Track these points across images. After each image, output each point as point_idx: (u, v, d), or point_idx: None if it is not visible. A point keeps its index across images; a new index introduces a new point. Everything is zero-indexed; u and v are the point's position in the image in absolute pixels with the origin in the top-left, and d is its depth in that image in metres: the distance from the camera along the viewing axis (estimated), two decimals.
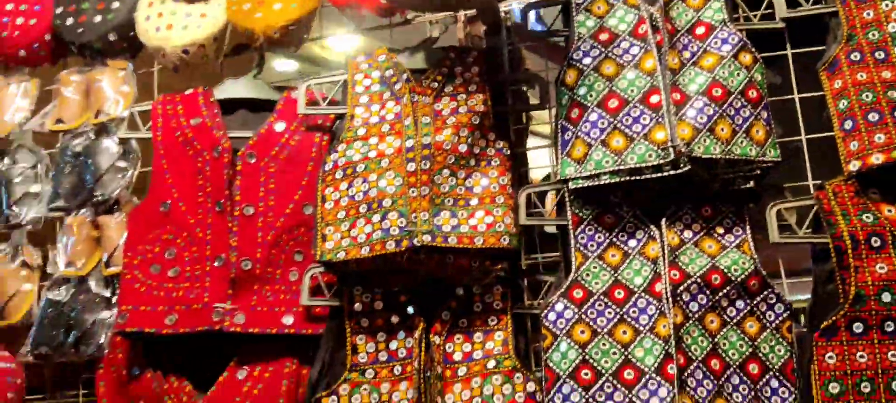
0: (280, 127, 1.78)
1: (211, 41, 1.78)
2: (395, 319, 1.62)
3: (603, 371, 1.49)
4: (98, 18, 1.86)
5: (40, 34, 1.92)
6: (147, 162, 1.86)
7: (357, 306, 1.64)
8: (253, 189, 1.73)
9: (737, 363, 1.48)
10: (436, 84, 1.69)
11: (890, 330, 1.44)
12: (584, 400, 1.48)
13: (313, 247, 1.61)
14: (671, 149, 1.49)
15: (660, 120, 1.52)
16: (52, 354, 1.73)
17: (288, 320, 1.67)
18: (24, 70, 1.95)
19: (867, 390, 1.43)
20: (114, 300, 1.77)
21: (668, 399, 1.42)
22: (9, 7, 1.91)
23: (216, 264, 1.69)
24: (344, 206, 1.61)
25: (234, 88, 1.84)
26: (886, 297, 1.44)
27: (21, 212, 1.83)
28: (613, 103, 1.57)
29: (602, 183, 1.54)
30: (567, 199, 1.61)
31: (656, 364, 1.46)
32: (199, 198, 1.73)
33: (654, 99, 1.55)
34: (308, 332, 1.67)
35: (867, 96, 1.54)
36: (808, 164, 1.65)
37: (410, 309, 1.62)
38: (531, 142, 1.87)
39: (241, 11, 1.75)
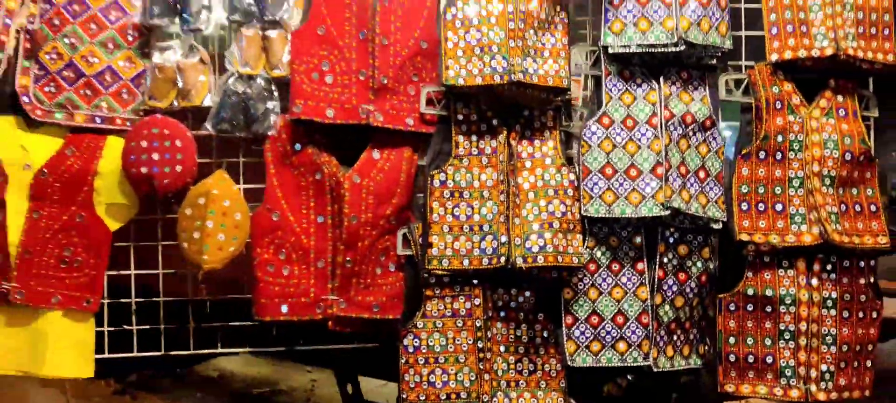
0: None
1: None
2: (484, 127, 2.43)
3: (618, 170, 2.41)
4: None
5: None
6: None
7: (459, 116, 2.42)
8: (386, 24, 2.41)
9: (693, 170, 2.46)
10: None
11: (779, 158, 2.47)
12: (606, 185, 2.40)
13: (439, 74, 2.36)
14: (675, 34, 2.38)
15: (670, 12, 2.39)
16: (231, 130, 2.35)
17: (410, 121, 2.43)
18: None
19: (761, 191, 2.47)
20: (276, 94, 2.40)
21: (657, 187, 2.37)
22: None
23: (360, 77, 2.39)
24: (462, 48, 2.35)
25: None
26: (779, 138, 2.46)
27: (201, 19, 2.36)
28: None
29: (629, 51, 2.41)
30: (603, 58, 2.47)
31: (650, 168, 2.40)
32: (346, 27, 2.39)
33: None
34: (423, 131, 2.44)
35: (787, 14, 2.49)
36: (743, 51, 2.61)
37: (495, 121, 2.44)
38: None
39: None
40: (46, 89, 2.36)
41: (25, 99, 2.36)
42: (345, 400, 3.68)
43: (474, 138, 2.43)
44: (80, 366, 2.37)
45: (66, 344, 2.35)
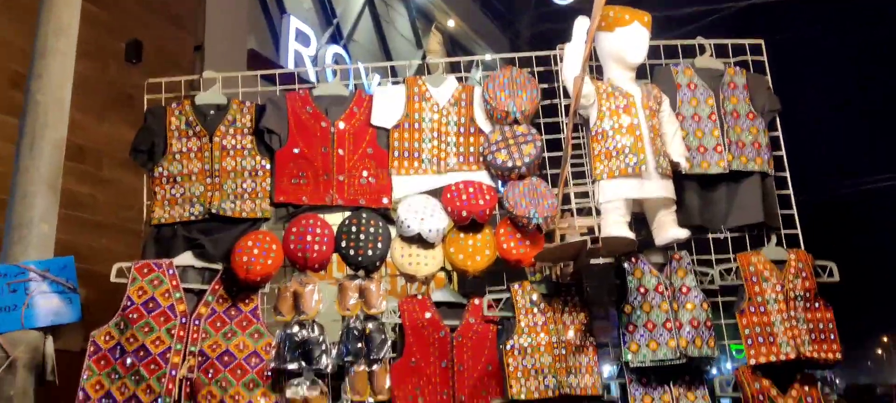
0: (472, 320, 3.28)
1: (439, 270, 3.30)
2: None
3: None
4: (370, 252, 3.28)
5: (328, 256, 3.29)
6: None
7: None
8: (461, 355, 3.20)
9: None
10: (559, 305, 3.28)
11: None
12: None
13: (504, 390, 3.11)
14: (677, 350, 3.19)
15: (672, 335, 3.22)
16: None
17: None
18: (312, 276, 3.30)
19: None
20: None
21: None
22: (309, 238, 3.28)
23: (444, 396, 3.13)
24: (521, 370, 3.13)
25: (442, 294, 3.33)
26: None
27: (323, 362, 3.12)
28: (650, 325, 3.25)
29: (645, 365, 3.20)
30: (625, 370, 3.25)
31: None
32: (430, 359, 3.18)
33: (668, 324, 3.24)
34: None
35: (758, 329, 3.33)
36: (728, 355, 3.42)
37: None
38: None
39: (457, 258, 3.28)
40: None
41: None
42: None
43: None
44: None
45: None
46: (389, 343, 3.19)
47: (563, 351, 3.17)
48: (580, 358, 3.21)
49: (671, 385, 3.23)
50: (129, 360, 3.11)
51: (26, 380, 3.10)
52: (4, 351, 3.08)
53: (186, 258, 3.43)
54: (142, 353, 3.12)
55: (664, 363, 3.20)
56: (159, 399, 3.05)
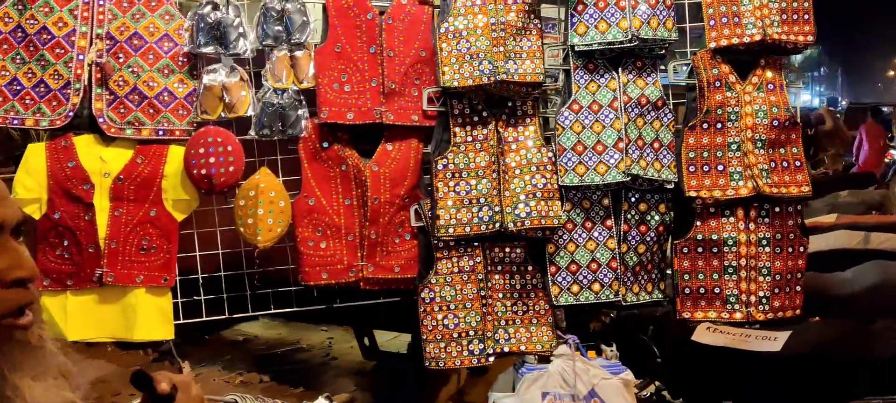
0: (404, 0, 2.95)
1: None
2: (476, 118, 2.96)
3: (587, 146, 2.96)
4: None
5: None
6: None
7: (455, 111, 2.95)
8: (391, 40, 2.92)
9: (649, 142, 3.00)
10: None
11: (719, 127, 3.01)
12: (578, 160, 2.95)
13: (437, 77, 2.88)
14: (629, 32, 2.89)
15: (624, 15, 2.90)
16: (271, 134, 2.89)
17: (415, 117, 2.96)
18: None
19: (706, 155, 3.02)
20: (304, 102, 2.92)
21: (619, 159, 2.92)
22: None
23: (372, 84, 2.91)
24: (455, 55, 2.86)
25: None
26: (719, 111, 3.00)
27: (239, 46, 2.87)
28: (601, 4, 2.93)
29: (592, 48, 2.93)
30: (571, 55, 2.98)
31: (613, 143, 2.94)
32: (358, 44, 2.90)
33: (622, 3, 2.91)
34: (426, 125, 2.98)
35: (722, 7, 3.00)
36: (687, 40, 3.13)
37: (484, 113, 2.96)
38: None
39: None
40: (118, 110, 2.89)
41: (101, 120, 2.88)
42: (363, 352, 4.23)
43: (469, 128, 2.96)
44: (163, 330, 2.96)
45: (150, 313, 2.93)
46: (311, 25, 2.90)
47: (503, 34, 2.87)
48: (521, 43, 2.93)
49: (620, 72, 2.99)
50: (31, 44, 2.87)
51: None
52: None
53: None
54: (45, 36, 2.87)
55: (613, 46, 2.93)
56: (69, 85, 2.86)
